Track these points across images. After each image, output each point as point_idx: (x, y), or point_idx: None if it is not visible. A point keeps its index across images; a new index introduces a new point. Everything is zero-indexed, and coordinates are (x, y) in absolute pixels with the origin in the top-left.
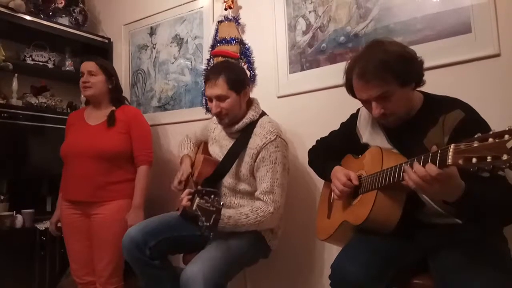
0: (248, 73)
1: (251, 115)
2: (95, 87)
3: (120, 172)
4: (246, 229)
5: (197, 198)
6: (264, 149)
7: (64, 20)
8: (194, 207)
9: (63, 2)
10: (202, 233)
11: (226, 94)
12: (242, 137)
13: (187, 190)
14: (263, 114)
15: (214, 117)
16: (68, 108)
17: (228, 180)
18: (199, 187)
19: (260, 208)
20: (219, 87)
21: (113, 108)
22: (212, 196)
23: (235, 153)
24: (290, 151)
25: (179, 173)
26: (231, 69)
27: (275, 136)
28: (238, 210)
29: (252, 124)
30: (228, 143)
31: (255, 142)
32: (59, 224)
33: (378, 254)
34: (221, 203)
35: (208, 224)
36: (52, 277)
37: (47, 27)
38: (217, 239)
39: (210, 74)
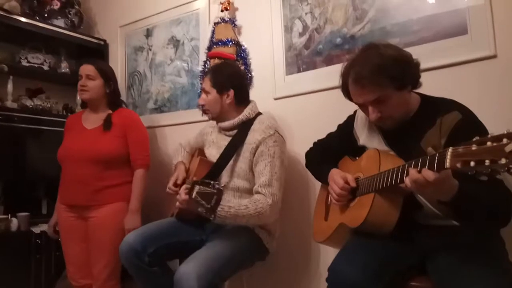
0: None
1: (247, 112)
2: (91, 91)
3: (116, 175)
4: (246, 221)
5: (196, 187)
6: (263, 144)
7: (60, 22)
8: (194, 195)
9: (59, 3)
10: (204, 216)
11: (208, 90)
12: (239, 134)
13: (184, 186)
14: (259, 114)
15: (211, 121)
16: (64, 111)
17: (225, 177)
18: (194, 178)
19: (259, 200)
20: (205, 82)
21: (110, 111)
22: (212, 182)
23: (232, 149)
24: (287, 153)
25: (173, 177)
26: (220, 70)
27: (274, 131)
28: (238, 202)
29: (249, 122)
30: (225, 142)
31: (253, 137)
32: (57, 228)
33: (375, 256)
34: (222, 185)
35: (209, 206)
36: (47, 281)
37: (43, 29)
38: (213, 240)
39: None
